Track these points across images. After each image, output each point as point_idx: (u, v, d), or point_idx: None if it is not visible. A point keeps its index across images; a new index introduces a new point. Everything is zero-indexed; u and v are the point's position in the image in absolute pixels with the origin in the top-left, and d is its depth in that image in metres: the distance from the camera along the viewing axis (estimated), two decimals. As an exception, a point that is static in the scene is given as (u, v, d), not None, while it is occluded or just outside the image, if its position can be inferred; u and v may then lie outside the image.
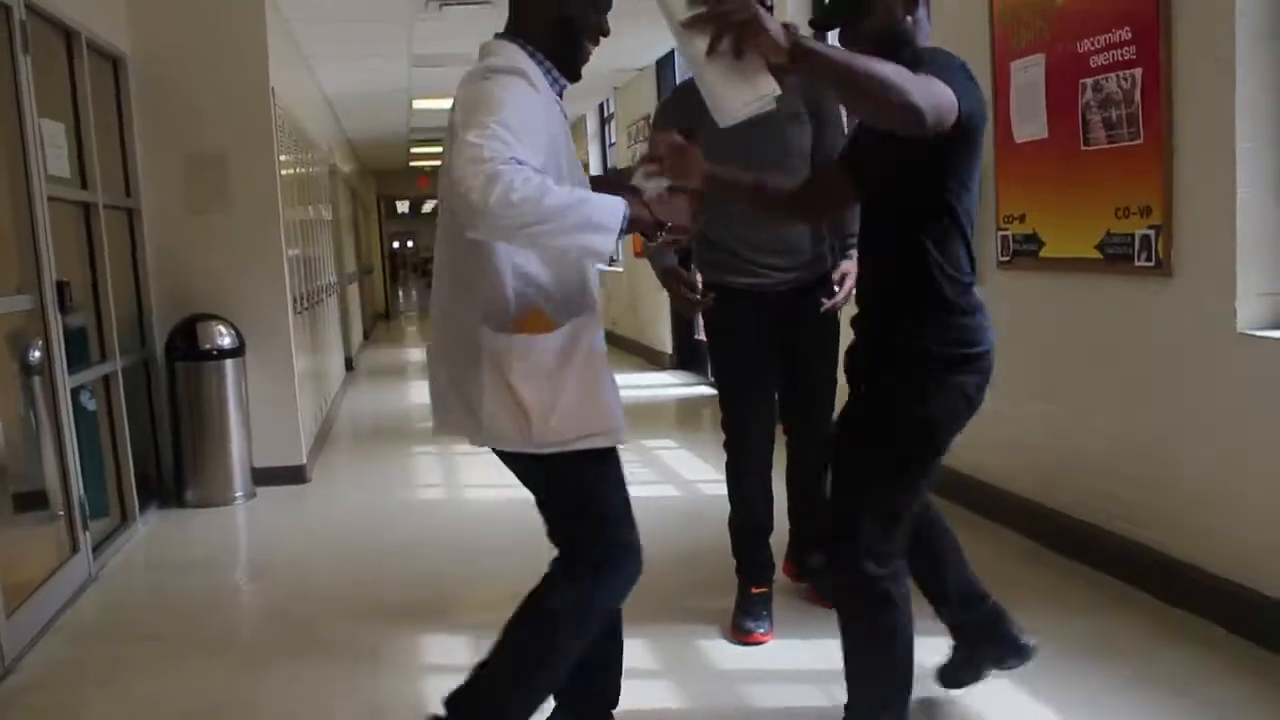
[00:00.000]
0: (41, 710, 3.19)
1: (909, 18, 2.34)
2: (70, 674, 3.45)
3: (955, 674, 2.85)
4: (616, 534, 2.42)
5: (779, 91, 2.10)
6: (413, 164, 18.55)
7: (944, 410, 2.36)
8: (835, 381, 3.47)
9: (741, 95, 2.08)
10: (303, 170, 7.58)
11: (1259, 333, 3.08)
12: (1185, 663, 3.03)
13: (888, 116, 2.13)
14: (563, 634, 2.36)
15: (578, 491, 2.39)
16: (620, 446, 2.42)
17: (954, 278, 2.33)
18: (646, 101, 10.01)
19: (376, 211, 22.07)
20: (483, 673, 2.38)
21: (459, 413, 2.35)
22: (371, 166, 19.39)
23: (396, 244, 35.08)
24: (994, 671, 2.84)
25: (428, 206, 33.75)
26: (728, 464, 3.60)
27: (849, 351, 2.58)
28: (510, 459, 2.37)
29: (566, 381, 2.25)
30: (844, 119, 3.53)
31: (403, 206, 31.93)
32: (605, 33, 2.39)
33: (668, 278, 3.51)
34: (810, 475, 3.58)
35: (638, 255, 10.97)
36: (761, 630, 3.43)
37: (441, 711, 2.39)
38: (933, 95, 2.11)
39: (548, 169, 2.15)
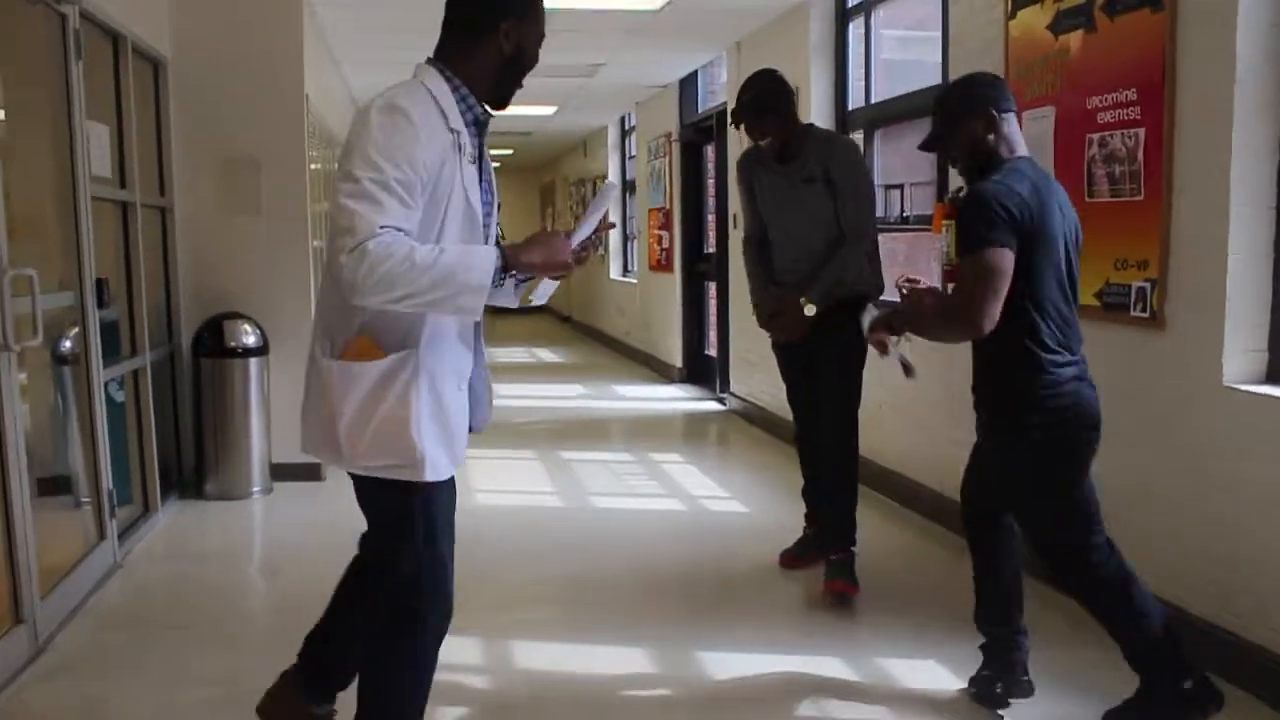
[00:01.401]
0: (72, 689, 3.37)
1: (990, 136, 2.95)
2: (98, 656, 3.62)
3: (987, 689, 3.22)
4: (418, 573, 2.47)
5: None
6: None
7: (1061, 462, 2.95)
8: (845, 388, 4.20)
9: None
10: (330, 176, 7.75)
11: (1244, 387, 3.24)
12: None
13: (951, 338, 3.09)
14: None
15: (390, 522, 2.49)
16: (443, 482, 2.44)
17: (1039, 356, 2.89)
18: (668, 117, 10.18)
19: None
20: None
21: (304, 425, 2.50)
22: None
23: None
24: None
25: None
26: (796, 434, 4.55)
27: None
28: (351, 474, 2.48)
29: (378, 410, 2.31)
30: (861, 187, 4.16)
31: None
32: (535, 64, 2.50)
33: (776, 317, 4.25)
34: (832, 477, 4.25)
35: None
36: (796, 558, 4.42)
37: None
38: (976, 293, 2.81)
39: (430, 217, 2.26)
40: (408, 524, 2.44)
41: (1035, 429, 2.89)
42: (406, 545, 2.46)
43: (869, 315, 3.38)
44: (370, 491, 2.47)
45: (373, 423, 2.32)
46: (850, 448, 4.21)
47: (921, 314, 3.04)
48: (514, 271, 2.36)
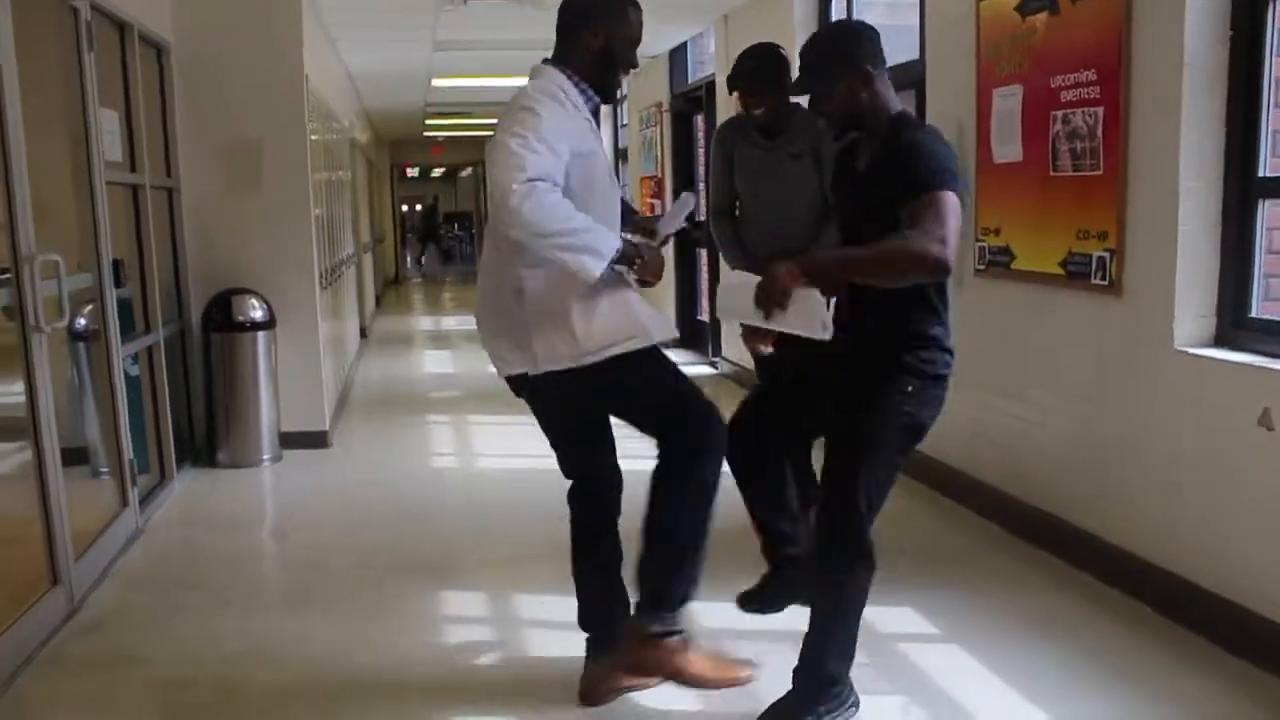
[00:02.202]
0: (107, 644, 3.62)
1: (864, 94, 2.83)
2: (127, 615, 3.87)
3: (763, 600, 3.59)
4: (691, 407, 2.93)
5: (829, 320, 2.68)
6: (427, 133, 18.86)
7: (928, 413, 2.90)
8: None
9: (813, 329, 2.71)
10: (327, 147, 7.94)
11: (1193, 350, 3.48)
12: (1117, 636, 3.45)
13: (915, 277, 2.67)
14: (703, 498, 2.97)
15: (643, 388, 2.91)
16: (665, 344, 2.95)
17: (942, 320, 2.88)
18: (658, 87, 10.34)
19: (390, 178, 22.37)
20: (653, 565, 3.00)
21: (515, 355, 2.88)
22: (386, 136, 19.69)
23: (406, 207, 35.31)
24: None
25: (436, 171, 34.22)
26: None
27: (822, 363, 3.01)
28: (586, 386, 2.85)
29: (598, 301, 2.78)
30: None
31: (413, 172, 32.18)
32: (635, 65, 2.98)
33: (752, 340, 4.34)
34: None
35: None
36: None
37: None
38: (942, 230, 2.58)
39: (571, 180, 2.71)
40: (656, 382, 2.92)
41: (920, 378, 2.84)
42: (669, 398, 2.92)
43: (738, 280, 3.06)
44: (609, 376, 2.84)
45: (598, 311, 2.79)
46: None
47: (861, 261, 2.74)
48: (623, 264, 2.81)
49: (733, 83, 4.19)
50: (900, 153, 2.76)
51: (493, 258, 2.92)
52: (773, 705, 2.93)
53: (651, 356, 2.90)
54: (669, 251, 10.08)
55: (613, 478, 3.15)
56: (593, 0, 2.93)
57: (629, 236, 2.91)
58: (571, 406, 3.01)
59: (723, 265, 4.28)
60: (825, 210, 4.13)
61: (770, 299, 2.70)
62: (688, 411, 2.93)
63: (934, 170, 2.68)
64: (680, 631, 3.04)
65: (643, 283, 2.89)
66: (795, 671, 2.94)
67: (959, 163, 2.85)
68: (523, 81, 2.87)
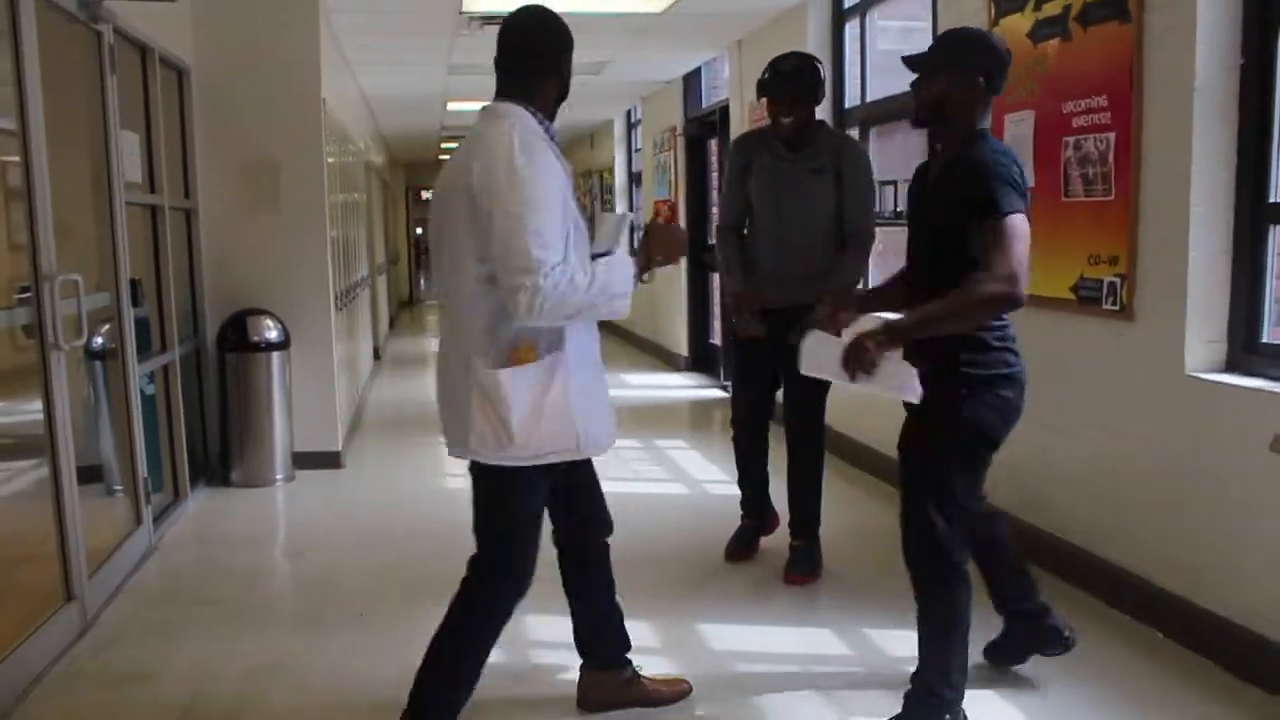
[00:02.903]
0: (120, 659, 3.64)
1: (962, 98, 2.86)
2: (141, 631, 3.90)
3: (1005, 653, 3.36)
4: (506, 554, 2.86)
5: (918, 385, 2.76)
6: (442, 157, 18.98)
7: (991, 416, 2.89)
8: (824, 383, 4.13)
9: (906, 392, 2.79)
10: (343, 169, 8.01)
11: (1204, 375, 3.48)
12: (1126, 661, 3.45)
13: (994, 316, 2.79)
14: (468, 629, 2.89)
15: (494, 505, 2.84)
16: (597, 458, 2.93)
17: (994, 321, 2.87)
18: (672, 112, 10.41)
19: (405, 200, 22.51)
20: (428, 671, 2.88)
21: (454, 431, 2.80)
22: (401, 159, 19.83)
23: (420, 229, 35.43)
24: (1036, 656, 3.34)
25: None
26: (731, 420, 4.57)
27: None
28: (474, 466, 2.80)
29: (545, 400, 2.68)
30: (870, 191, 4.30)
31: (428, 194, 32.37)
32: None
33: (743, 297, 4.31)
34: (798, 467, 4.37)
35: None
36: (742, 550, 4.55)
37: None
38: (1011, 264, 2.65)
39: (566, 228, 2.63)
40: (507, 508, 2.83)
41: (974, 383, 2.86)
42: (499, 527, 2.86)
43: (819, 339, 3.07)
44: (486, 474, 2.79)
45: (544, 413, 2.67)
46: (822, 441, 4.41)
47: (941, 319, 2.75)
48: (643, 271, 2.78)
49: (768, 87, 4.18)
50: (961, 168, 2.82)
51: (447, 325, 2.85)
52: None
53: (526, 486, 2.78)
54: (676, 273, 10.14)
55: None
56: (557, 25, 2.78)
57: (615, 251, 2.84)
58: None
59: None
60: (841, 232, 4.20)
61: (859, 365, 2.74)
62: (501, 553, 2.86)
63: (994, 193, 2.70)
64: None
65: (667, 261, 2.86)
66: (905, 694, 2.99)
67: (1020, 169, 2.81)
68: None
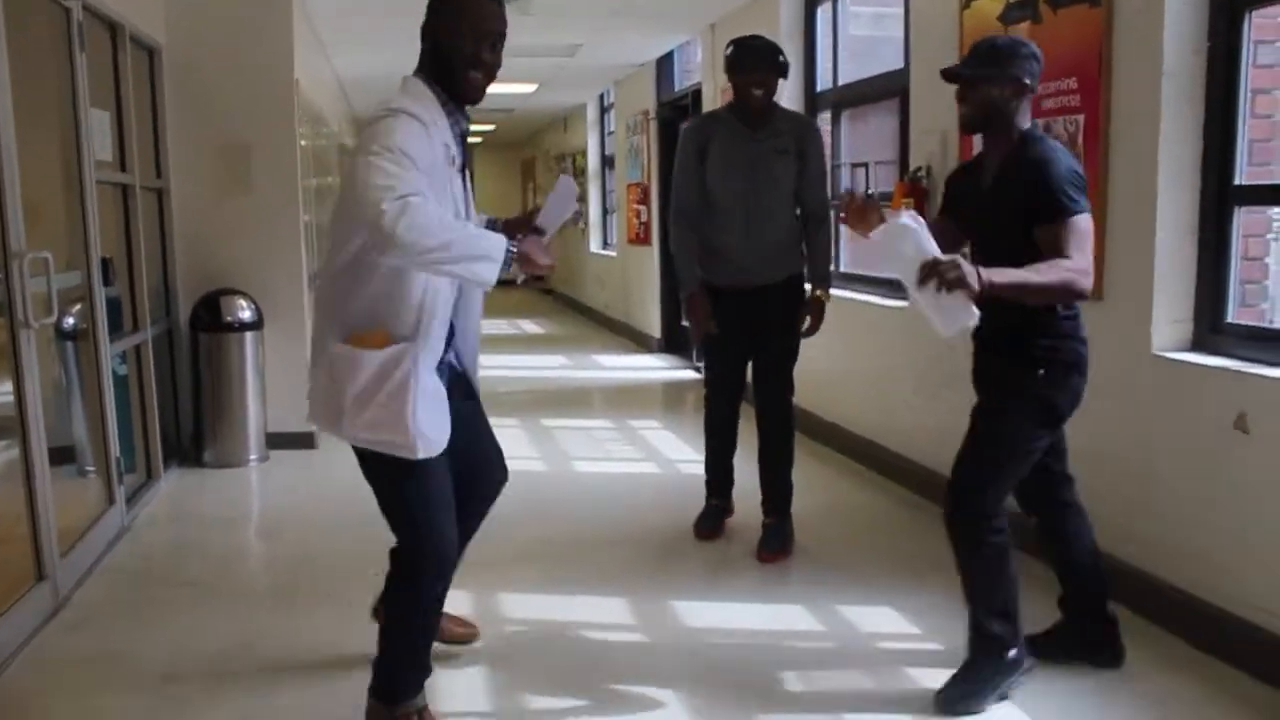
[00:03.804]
0: (92, 640, 3.64)
1: (1010, 103, 2.97)
2: (114, 612, 3.89)
3: (1046, 645, 3.28)
4: (417, 539, 2.80)
5: (976, 320, 2.76)
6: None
7: (1062, 399, 3.03)
8: (793, 356, 4.37)
9: (948, 322, 2.77)
10: (316, 151, 7.96)
11: (1170, 355, 3.54)
12: (1091, 638, 3.49)
13: (1065, 301, 2.92)
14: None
15: (389, 495, 2.79)
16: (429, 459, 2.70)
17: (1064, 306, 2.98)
18: (645, 95, 10.40)
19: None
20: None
21: (310, 402, 2.78)
22: (374, 140, 19.68)
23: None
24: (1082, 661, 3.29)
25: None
26: (705, 398, 4.59)
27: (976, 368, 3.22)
28: (363, 455, 2.76)
29: (378, 394, 2.59)
30: (823, 164, 4.35)
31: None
32: (489, 61, 2.67)
33: (694, 301, 4.34)
34: (770, 445, 4.40)
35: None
36: (711, 528, 4.58)
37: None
38: (1086, 259, 2.82)
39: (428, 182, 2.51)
40: (401, 496, 2.77)
41: (1050, 365, 2.98)
42: (402, 515, 2.80)
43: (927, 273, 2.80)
44: (369, 463, 2.76)
45: (372, 404, 2.60)
46: (792, 419, 4.46)
47: (1026, 287, 2.80)
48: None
49: (740, 62, 4.18)
50: (1029, 168, 2.90)
51: (321, 317, 2.78)
52: (952, 675, 3.06)
53: (417, 474, 2.70)
54: (651, 268, 10.16)
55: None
56: None
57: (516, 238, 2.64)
58: None
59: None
60: (796, 209, 4.23)
61: (943, 278, 2.68)
62: (411, 536, 2.81)
63: (1070, 194, 2.83)
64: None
65: (535, 278, 2.68)
66: (967, 643, 3.08)
67: (1080, 168, 2.95)
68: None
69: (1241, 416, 3.20)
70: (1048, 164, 2.88)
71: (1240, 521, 3.24)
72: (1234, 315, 3.51)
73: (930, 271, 2.71)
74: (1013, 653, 3.05)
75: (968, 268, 2.69)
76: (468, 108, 2.76)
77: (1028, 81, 2.98)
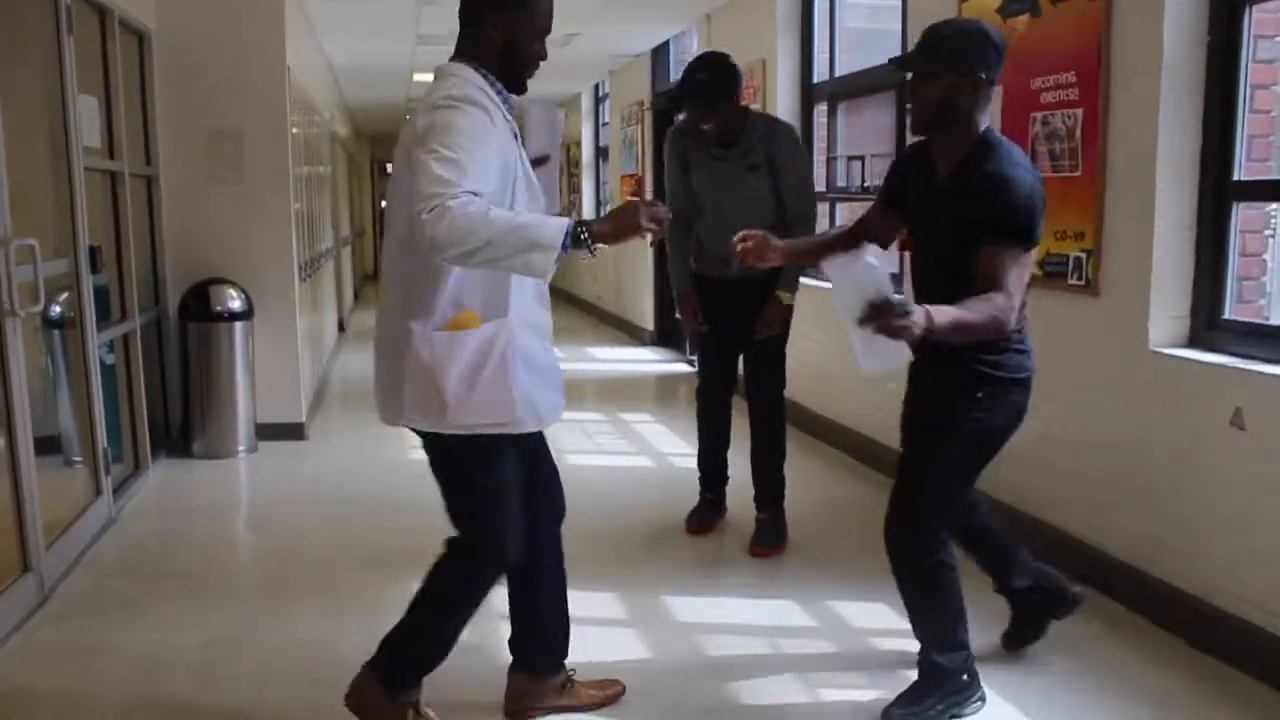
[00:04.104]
0: (78, 632, 3.60)
1: (965, 98, 2.70)
2: (100, 604, 3.85)
3: (1018, 635, 3.34)
4: (483, 534, 2.74)
5: (906, 361, 2.65)
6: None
7: (1001, 419, 2.87)
8: (780, 349, 4.33)
9: (877, 361, 2.61)
10: (307, 139, 7.91)
11: (1167, 351, 3.52)
12: (1087, 632, 3.48)
13: (991, 337, 2.70)
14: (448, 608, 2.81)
15: (462, 486, 2.72)
16: (538, 431, 2.76)
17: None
18: (640, 85, 10.35)
19: (370, 173, 22.29)
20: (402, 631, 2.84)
21: (389, 398, 2.69)
22: (367, 130, 19.61)
23: (385, 203, 35.22)
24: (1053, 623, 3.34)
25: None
26: (697, 391, 4.61)
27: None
28: (426, 442, 2.70)
29: (482, 373, 2.55)
30: (804, 172, 4.34)
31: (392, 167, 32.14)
32: (544, 57, 2.71)
33: (683, 299, 4.42)
34: (761, 439, 4.41)
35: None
36: (703, 523, 4.56)
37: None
38: (1018, 296, 2.67)
39: (501, 194, 2.49)
40: (476, 486, 2.71)
41: (989, 383, 2.81)
42: (472, 508, 2.73)
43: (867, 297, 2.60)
44: (449, 453, 2.68)
45: (478, 384, 2.56)
46: (783, 414, 4.44)
47: (962, 327, 2.61)
48: (592, 241, 2.44)
49: (681, 98, 4.16)
50: (988, 182, 2.67)
51: (386, 294, 2.71)
52: (900, 694, 2.98)
53: (489, 454, 2.66)
54: (636, 254, 10.10)
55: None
56: None
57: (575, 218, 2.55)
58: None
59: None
60: (779, 217, 4.19)
61: (882, 326, 2.48)
62: (469, 533, 2.75)
63: (1027, 224, 2.66)
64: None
65: (654, 231, 2.49)
66: (917, 665, 3.01)
67: (1042, 194, 2.73)
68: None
69: (1238, 413, 3.18)
70: (1009, 184, 2.65)
71: (1237, 518, 3.22)
72: (1231, 311, 3.50)
73: (876, 314, 2.49)
74: (964, 678, 2.96)
75: (915, 317, 2.47)
76: None
77: (984, 75, 2.71)
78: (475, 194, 2.34)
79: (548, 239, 2.36)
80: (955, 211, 2.75)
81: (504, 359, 2.58)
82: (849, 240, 3.07)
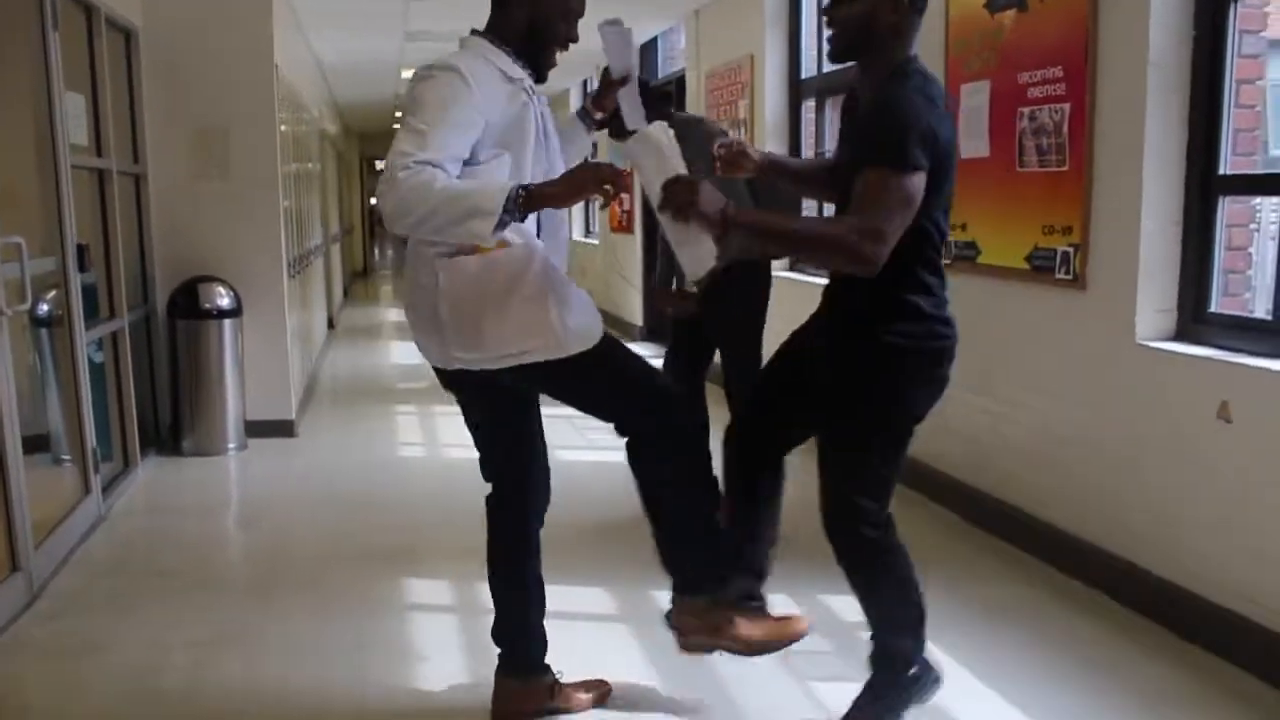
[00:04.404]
0: (68, 630, 3.59)
1: (886, 22, 2.44)
2: (88, 603, 3.84)
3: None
4: (653, 403, 2.69)
5: (715, 258, 2.46)
6: (395, 127, 18.75)
7: (924, 396, 2.60)
8: (756, 346, 4.26)
9: (690, 260, 2.47)
10: (296, 136, 7.89)
11: (1154, 344, 3.53)
12: (1078, 625, 3.50)
13: (838, 265, 2.44)
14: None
15: (590, 390, 2.66)
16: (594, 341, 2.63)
17: (926, 284, 2.51)
18: (629, 82, 10.33)
19: (359, 170, 22.25)
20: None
21: (432, 347, 2.64)
22: (355, 128, 19.58)
23: (375, 200, 35.11)
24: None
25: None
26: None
27: (803, 338, 2.74)
28: (529, 374, 2.58)
29: (511, 300, 2.51)
30: (708, 139, 4.02)
31: (381, 165, 32.13)
32: (574, 39, 2.67)
33: (658, 294, 4.63)
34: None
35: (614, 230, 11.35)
36: None
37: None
38: (879, 222, 2.30)
39: (482, 147, 2.43)
40: (602, 383, 2.67)
41: (902, 354, 2.52)
42: (618, 396, 2.69)
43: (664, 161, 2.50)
44: (555, 376, 2.60)
45: (512, 307, 2.51)
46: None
47: (784, 234, 2.49)
48: (542, 203, 2.40)
49: None
50: (878, 104, 2.45)
51: (413, 247, 2.64)
52: (855, 700, 2.80)
53: (601, 353, 2.62)
54: (632, 250, 10.09)
55: (533, 482, 2.95)
56: None
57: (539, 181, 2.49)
58: (489, 400, 2.78)
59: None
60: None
61: (676, 204, 2.37)
62: (638, 401, 2.69)
63: (903, 145, 2.32)
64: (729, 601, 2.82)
65: (606, 194, 2.38)
66: (869, 658, 2.81)
67: (945, 123, 2.44)
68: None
69: (1224, 406, 3.20)
70: (895, 102, 2.39)
71: (1224, 511, 3.24)
72: (1217, 305, 3.51)
73: (667, 192, 2.35)
74: (914, 669, 2.77)
75: (707, 192, 2.32)
76: None
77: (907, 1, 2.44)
78: (430, 163, 2.32)
79: (487, 205, 2.32)
80: (851, 148, 2.56)
81: (541, 279, 2.54)
82: (828, 172, 2.89)
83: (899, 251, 2.37)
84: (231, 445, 6.00)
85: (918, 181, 2.34)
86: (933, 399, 2.61)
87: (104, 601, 3.85)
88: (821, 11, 2.61)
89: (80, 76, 4.98)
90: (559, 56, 2.70)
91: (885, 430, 2.60)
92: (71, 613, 3.74)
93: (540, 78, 2.66)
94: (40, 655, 3.42)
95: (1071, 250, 3.85)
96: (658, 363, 3.68)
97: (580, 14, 2.68)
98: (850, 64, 2.57)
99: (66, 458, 4.78)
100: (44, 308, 4.68)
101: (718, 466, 2.82)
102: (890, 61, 2.48)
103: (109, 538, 4.57)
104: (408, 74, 10.98)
